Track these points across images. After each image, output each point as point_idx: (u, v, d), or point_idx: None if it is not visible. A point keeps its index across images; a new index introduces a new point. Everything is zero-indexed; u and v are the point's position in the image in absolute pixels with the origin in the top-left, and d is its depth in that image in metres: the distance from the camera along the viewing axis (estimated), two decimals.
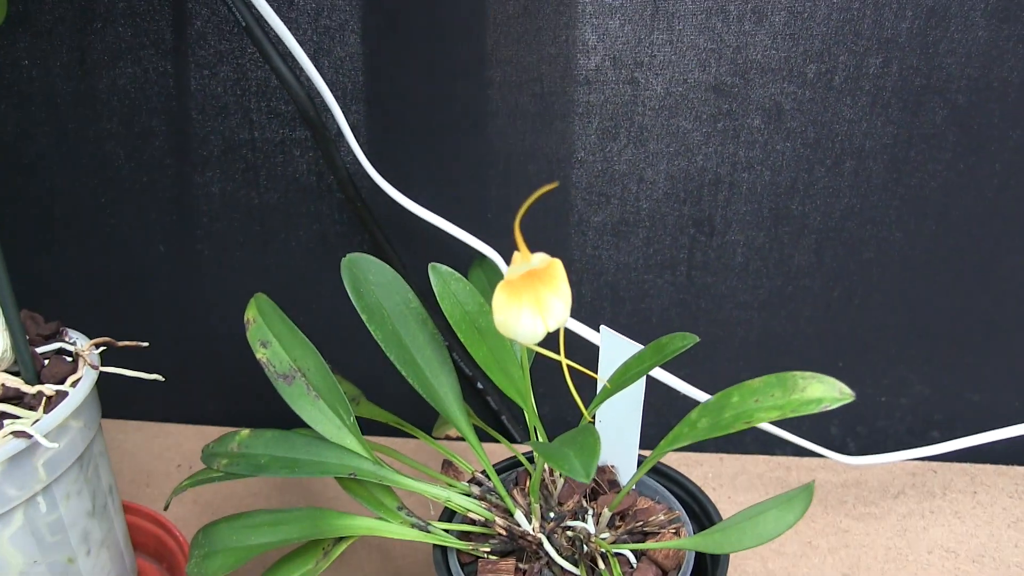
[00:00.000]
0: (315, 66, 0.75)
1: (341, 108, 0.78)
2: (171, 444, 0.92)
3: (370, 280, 0.63)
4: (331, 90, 0.76)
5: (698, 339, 0.57)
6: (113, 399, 0.94)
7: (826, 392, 0.51)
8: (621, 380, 0.59)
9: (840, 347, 0.86)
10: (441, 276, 0.62)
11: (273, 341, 0.67)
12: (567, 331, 0.82)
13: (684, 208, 0.82)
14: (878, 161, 0.79)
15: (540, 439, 0.66)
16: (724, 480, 0.88)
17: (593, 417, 0.66)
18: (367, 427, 0.70)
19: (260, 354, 0.67)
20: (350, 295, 0.62)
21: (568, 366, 0.54)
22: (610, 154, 0.80)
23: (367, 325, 0.62)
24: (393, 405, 0.77)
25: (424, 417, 0.81)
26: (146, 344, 0.70)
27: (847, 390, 0.51)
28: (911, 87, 0.76)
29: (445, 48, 0.77)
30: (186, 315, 0.90)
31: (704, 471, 0.88)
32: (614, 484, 0.70)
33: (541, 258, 0.49)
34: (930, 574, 0.78)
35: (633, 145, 0.80)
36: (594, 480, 0.69)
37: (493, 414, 0.89)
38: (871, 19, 0.74)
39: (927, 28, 0.74)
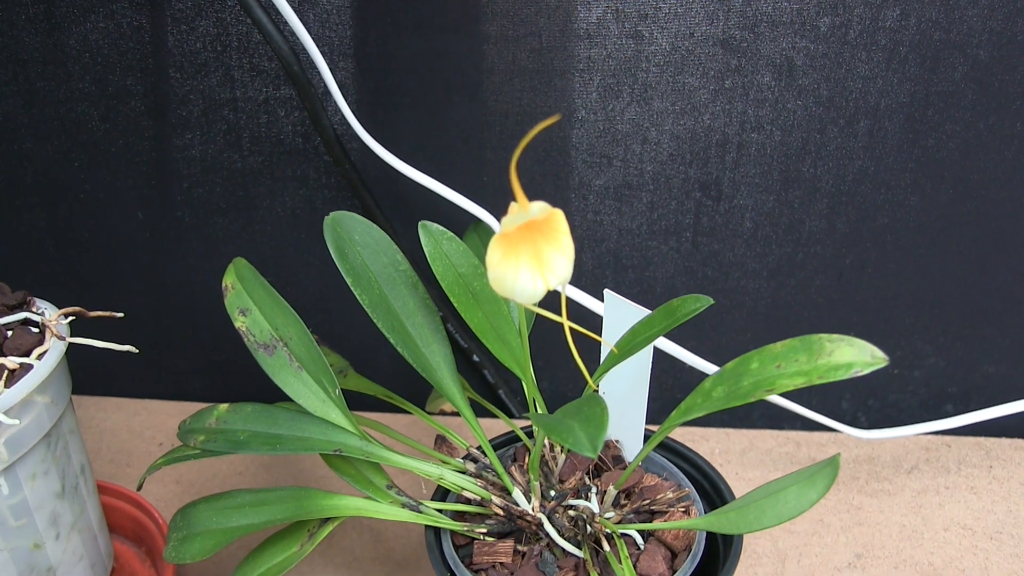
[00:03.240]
0: (300, 19, 0.69)
1: (328, 64, 0.71)
2: (152, 422, 0.86)
3: (355, 240, 0.57)
4: (317, 45, 0.70)
5: (712, 301, 0.51)
6: (90, 375, 0.88)
7: (857, 356, 0.45)
8: (629, 346, 0.53)
9: (852, 317, 0.80)
10: (432, 235, 0.56)
11: (253, 309, 0.61)
12: (568, 300, 0.76)
13: (690, 170, 0.75)
14: (894, 121, 0.73)
15: (540, 412, 0.59)
16: (732, 456, 0.82)
17: (597, 387, 0.60)
18: (356, 402, 0.64)
19: (239, 323, 0.61)
20: (334, 257, 0.56)
21: (571, 328, 0.48)
22: (612, 113, 0.74)
23: (352, 289, 0.56)
24: (385, 380, 0.71)
25: (417, 392, 0.75)
26: (121, 315, 0.64)
27: (880, 354, 0.45)
28: (929, 41, 0.70)
29: (438, 0, 0.71)
30: (166, 286, 0.83)
31: (711, 447, 0.83)
32: (619, 460, 0.65)
33: (540, 208, 0.43)
34: (947, 552, 0.73)
35: (636, 103, 0.73)
36: (598, 457, 0.63)
37: (490, 388, 0.83)
38: None
39: None
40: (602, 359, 0.58)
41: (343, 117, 0.72)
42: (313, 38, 0.70)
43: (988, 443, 0.83)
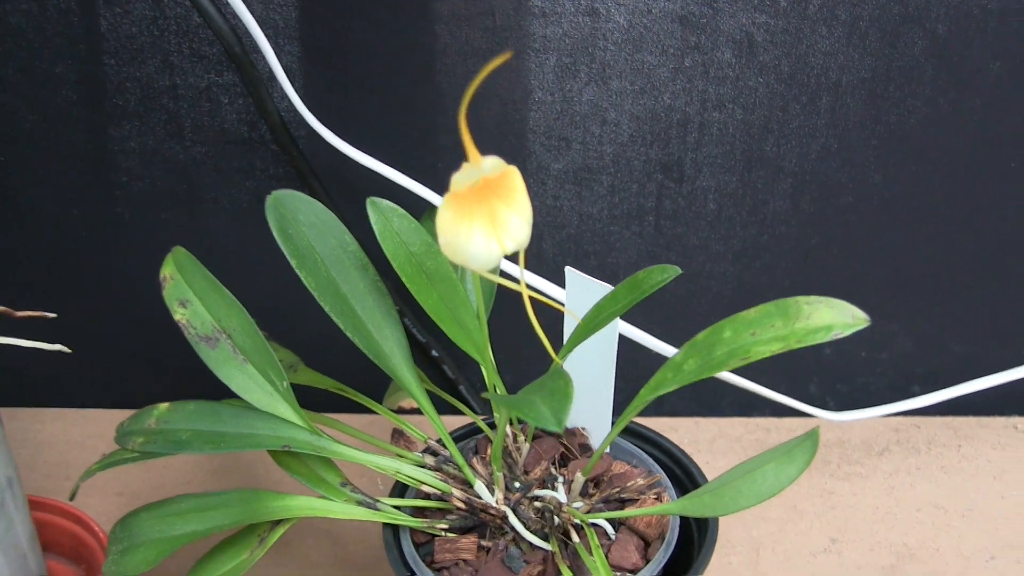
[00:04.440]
0: (242, 0, 0.64)
1: (273, 48, 0.67)
2: (95, 432, 0.80)
3: (300, 220, 0.52)
4: (261, 28, 0.65)
5: (679, 271, 0.47)
6: (26, 385, 0.82)
7: (836, 317, 0.42)
8: (594, 322, 0.49)
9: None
10: (381, 212, 0.51)
11: (193, 300, 0.56)
12: (529, 287, 0.72)
13: (651, 152, 0.72)
14: (856, 97, 0.70)
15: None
16: (701, 445, 0.78)
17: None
18: (310, 401, 0.59)
19: (179, 315, 0.56)
20: (277, 238, 0.52)
21: (532, 299, 0.43)
22: (570, 94, 0.70)
23: (297, 272, 0.52)
24: (341, 378, 0.66)
25: (376, 389, 0.70)
26: (53, 315, 0.59)
27: (860, 314, 0.42)
28: (889, 15, 0.67)
29: None
30: (107, 287, 0.78)
31: (679, 436, 0.79)
32: (586, 448, 0.60)
33: (494, 164, 0.38)
34: (920, 532, 0.70)
35: (594, 83, 0.69)
36: (563, 444, 0.59)
37: (451, 384, 0.79)
38: None
39: None
40: (565, 339, 0.54)
41: (290, 103, 0.68)
42: (256, 20, 0.65)
43: (956, 422, 0.81)
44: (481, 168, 0.38)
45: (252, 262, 0.76)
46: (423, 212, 0.67)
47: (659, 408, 0.82)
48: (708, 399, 0.82)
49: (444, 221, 0.39)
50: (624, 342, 0.70)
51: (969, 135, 0.71)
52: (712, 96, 0.70)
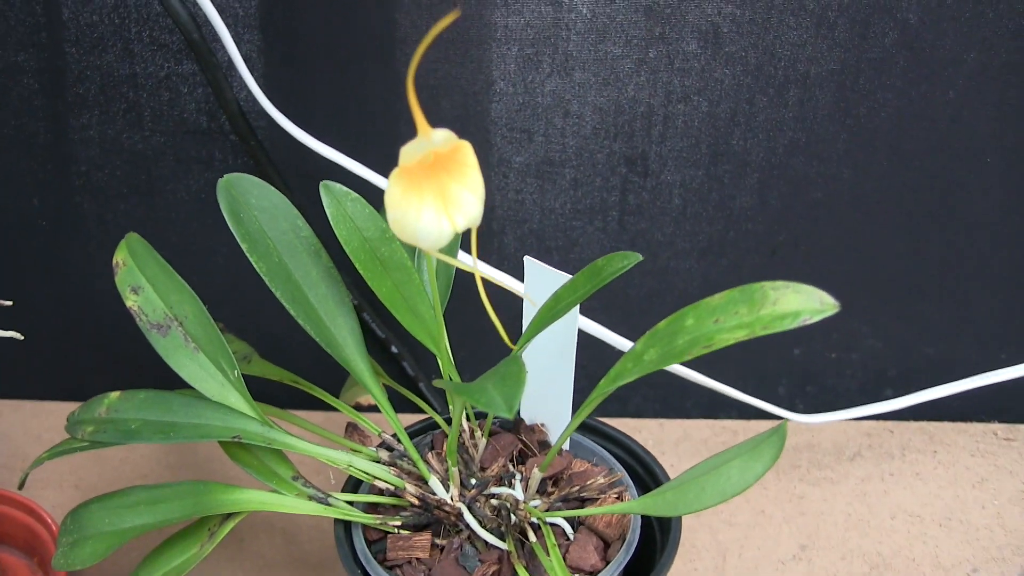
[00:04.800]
0: None
1: (232, 36, 0.65)
2: (52, 424, 0.78)
3: (252, 204, 0.51)
4: (220, 16, 0.64)
5: (641, 257, 0.46)
6: None
7: (804, 303, 0.40)
8: (553, 311, 0.48)
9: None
10: (334, 196, 0.50)
11: (146, 286, 0.54)
12: (486, 284, 0.70)
13: (615, 145, 0.70)
14: (824, 89, 0.69)
15: None
16: (666, 447, 0.76)
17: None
18: (270, 397, 0.58)
19: (130, 302, 0.54)
20: (228, 221, 0.50)
21: (486, 283, 0.42)
22: (532, 85, 0.68)
23: (248, 256, 0.50)
24: (299, 372, 0.64)
25: (334, 385, 0.68)
26: (9, 302, 0.57)
27: (829, 299, 0.40)
28: (858, 5, 0.66)
29: None
30: (66, 278, 0.76)
31: (643, 438, 0.77)
32: (545, 445, 0.59)
33: (444, 137, 0.37)
34: (895, 540, 0.68)
35: (557, 74, 0.68)
36: (522, 441, 0.57)
37: (410, 381, 0.77)
38: None
39: None
40: (524, 329, 0.52)
41: (249, 93, 0.66)
42: (216, 8, 0.63)
43: (931, 427, 0.78)
44: (431, 140, 0.36)
45: (211, 253, 0.74)
46: (383, 203, 0.65)
47: (623, 409, 0.80)
48: (673, 400, 0.80)
49: (392, 197, 0.37)
50: (587, 339, 0.68)
51: (942, 129, 0.70)
52: (677, 88, 0.68)
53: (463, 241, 0.70)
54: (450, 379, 0.53)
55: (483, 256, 0.72)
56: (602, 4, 0.66)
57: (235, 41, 0.66)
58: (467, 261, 0.68)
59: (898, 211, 0.72)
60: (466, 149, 0.38)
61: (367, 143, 0.70)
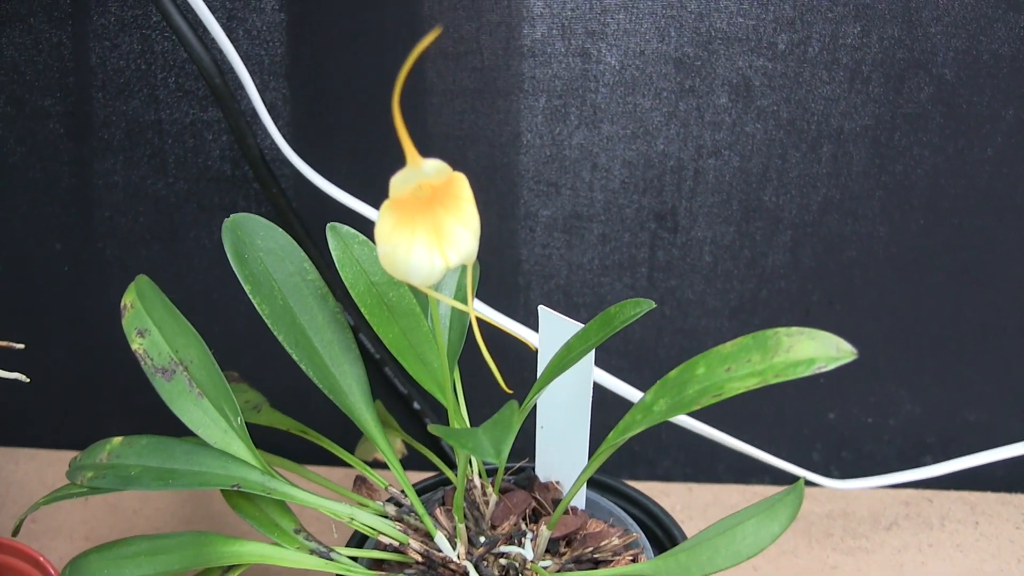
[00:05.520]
0: (228, 36, 0.61)
1: (257, 85, 0.64)
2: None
3: (257, 245, 0.48)
4: (245, 64, 0.62)
5: (654, 304, 0.43)
6: (1, 424, 0.78)
7: (819, 350, 0.37)
8: (564, 361, 0.44)
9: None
10: (341, 238, 0.48)
11: (152, 329, 0.52)
12: (510, 339, 0.67)
13: (644, 199, 0.68)
14: (859, 145, 0.66)
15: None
16: (694, 512, 0.72)
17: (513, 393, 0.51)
18: (283, 450, 0.55)
19: (136, 345, 0.52)
20: (232, 262, 0.48)
21: (480, 321, 0.39)
22: (560, 137, 0.66)
23: (251, 298, 0.48)
24: (314, 425, 0.61)
25: (348, 439, 0.65)
26: (21, 346, 0.55)
27: (846, 346, 0.36)
28: (892, 60, 0.63)
29: (374, 14, 0.64)
30: (85, 323, 0.74)
31: (671, 502, 0.73)
32: (560, 503, 0.55)
33: (437, 168, 0.34)
34: None
35: (585, 127, 0.66)
36: (535, 499, 0.54)
37: (432, 440, 0.73)
38: None
39: None
40: (538, 375, 0.49)
41: (273, 141, 0.64)
42: (241, 56, 0.62)
43: (972, 497, 0.73)
44: (421, 170, 0.34)
45: (232, 301, 0.72)
46: None
47: (651, 472, 0.76)
48: (703, 463, 0.76)
49: (383, 230, 0.35)
50: (613, 399, 0.65)
51: (980, 186, 0.66)
52: (708, 142, 0.66)
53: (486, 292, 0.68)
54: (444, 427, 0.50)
55: (508, 311, 0.69)
56: (631, 56, 0.64)
57: (259, 89, 0.65)
58: (490, 314, 0.65)
59: (936, 270, 0.69)
60: (460, 181, 0.35)
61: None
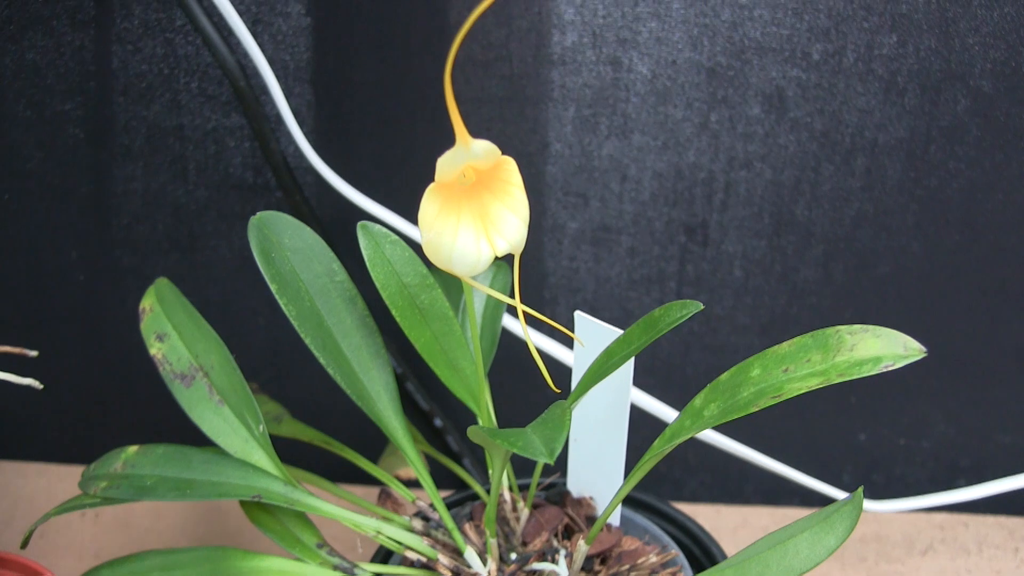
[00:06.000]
0: (254, 39, 0.59)
1: (282, 89, 0.62)
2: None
3: (285, 244, 0.46)
4: (271, 68, 0.61)
5: (702, 306, 0.40)
6: (11, 437, 0.75)
7: (886, 348, 0.34)
8: (604, 367, 0.42)
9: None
10: (373, 237, 0.45)
11: (171, 333, 0.50)
12: (539, 351, 0.65)
13: (673, 212, 0.65)
14: (893, 158, 0.63)
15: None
16: (723, 534, 0.69)
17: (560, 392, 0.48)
18: (308, 466, 0.53)
19: (155, 349, 0.50)
20: (258, 261, 0.46)
21: (526, 313, 0.37)
22: (589, 147, 0.64)
23: (278, 299, 0.45)
24: (338, 439, 0.59)
25: (372, 452, 0.62)
26: (34, 353, 0.52)
27: (915, 344, 0.34)
28: (929, 71, 0.61)
29: (402, 21, 0.62)
30: (101, 333, 0.71)
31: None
32: (593, 520, 0.52)
33: (486, 149, 0.32)
34: None
35: (615, 137, 0.64)
36: (567, 515, 0.51)
37: (454, 457, 0.71)
38: None
39: (945, 3, 0.60)
40: (573, 385, 0.47)
41: (297, 147, 0.62)
42: (267, 60, 0.60)
43: (1010, 522, 0.70)
44: (470, 150, 0.32)
45: (252, 313, 0.70)
46: (432, 267, 0.61)
47: (677, 493, 0.73)
48: (731, 485, 0.73)
49: (427, 215, 0.33)
50: (643, 417, 0.62)
51: (1018, 201, 0.64)
52: (740, 154, 0.64)
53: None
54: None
55: (534, 325, 0.67)
56: (663, 65, 0.62)
57: (285, 94, 0.62)
58: (516, 328, 0.63)
59: (971, 288, 0.66)
60: (510, 165, 0.33)
61: (416, 201, 0.65)
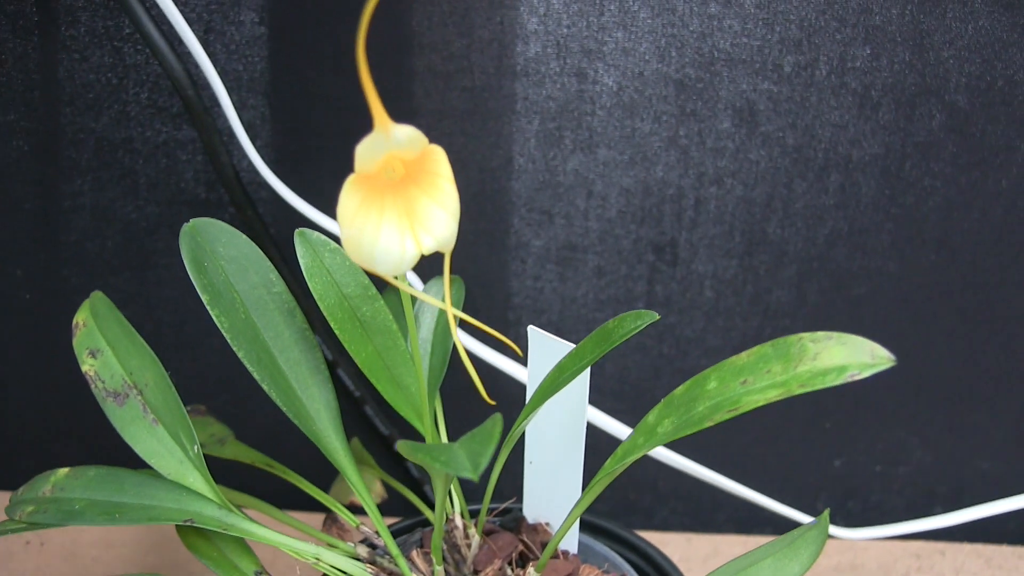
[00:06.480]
0: (205, 48, 0.57)
1: (234, 102, 0.59)
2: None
3: (219, 253, 0.43)
4: (222, 79, 0.58)
5: (657, 316, 0.37)
6: None
7: (851, 356, 0.32)
8: (556, 381, 0.39)
9: (827, 404, 0.66)
10: (311, 245, 0.42)
11: (105, 349, 0.46)
12: (504, 375, 0.62)
13: (641, 230, 0.63)
14: (868, 175, 0.61)
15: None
16: (693, 564, 0.66)
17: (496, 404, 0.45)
18: (262, 494, 0.49)
19: (87, 366, 0.46)
20: (189, 270, 0.43)
21: (461, 319, 0.33)
22: (553, 162, 0.61)
23: (209, 310, 0.42)
24: (294, 468, 0.55)
25: (325, 481, 0.59)
26: None
27: (883, 352, 0.32)
28: (903, 85, 0.59)
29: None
30: (49, 356, 0.68)
31: (669, 553, 0.66)
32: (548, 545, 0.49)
33: (409, 136, 0.29)
34: None
35: (581, 151, 0.61)
36: (522, 541, 0.48)
37: (415, 483, 0.67)
38: (856, 1, 0.58)
39: (919, 15, 0.58)
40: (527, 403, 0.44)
41: (250, 162, 0.60)
42: (218, 71, 0.57)
43: (987, 550, 0.67)
44: (390, 136, 0.29)
45: (207, 335, 0.66)
46: (389, 285, 0.58)
47: (647, 521, 0.70)
48: (703, 514, 0.70)
49: (346, 210, 0.30)
50: (614, 443, 0.59)
51: (995, 220, 0.61)
52: (710, 169, 0.61)
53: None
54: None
55: (497, 347, 0.64)
56: (630, 77, 0.59)
57: (237, 106, 0.60)
58: (477, 349, 0.60)
59: (948, 310, 0.64)
60: (436, 155, 0.30)
61: None
